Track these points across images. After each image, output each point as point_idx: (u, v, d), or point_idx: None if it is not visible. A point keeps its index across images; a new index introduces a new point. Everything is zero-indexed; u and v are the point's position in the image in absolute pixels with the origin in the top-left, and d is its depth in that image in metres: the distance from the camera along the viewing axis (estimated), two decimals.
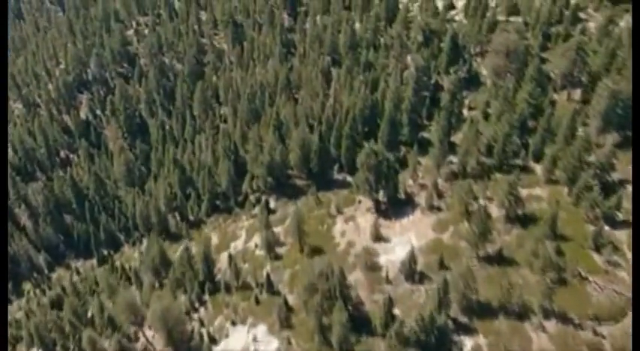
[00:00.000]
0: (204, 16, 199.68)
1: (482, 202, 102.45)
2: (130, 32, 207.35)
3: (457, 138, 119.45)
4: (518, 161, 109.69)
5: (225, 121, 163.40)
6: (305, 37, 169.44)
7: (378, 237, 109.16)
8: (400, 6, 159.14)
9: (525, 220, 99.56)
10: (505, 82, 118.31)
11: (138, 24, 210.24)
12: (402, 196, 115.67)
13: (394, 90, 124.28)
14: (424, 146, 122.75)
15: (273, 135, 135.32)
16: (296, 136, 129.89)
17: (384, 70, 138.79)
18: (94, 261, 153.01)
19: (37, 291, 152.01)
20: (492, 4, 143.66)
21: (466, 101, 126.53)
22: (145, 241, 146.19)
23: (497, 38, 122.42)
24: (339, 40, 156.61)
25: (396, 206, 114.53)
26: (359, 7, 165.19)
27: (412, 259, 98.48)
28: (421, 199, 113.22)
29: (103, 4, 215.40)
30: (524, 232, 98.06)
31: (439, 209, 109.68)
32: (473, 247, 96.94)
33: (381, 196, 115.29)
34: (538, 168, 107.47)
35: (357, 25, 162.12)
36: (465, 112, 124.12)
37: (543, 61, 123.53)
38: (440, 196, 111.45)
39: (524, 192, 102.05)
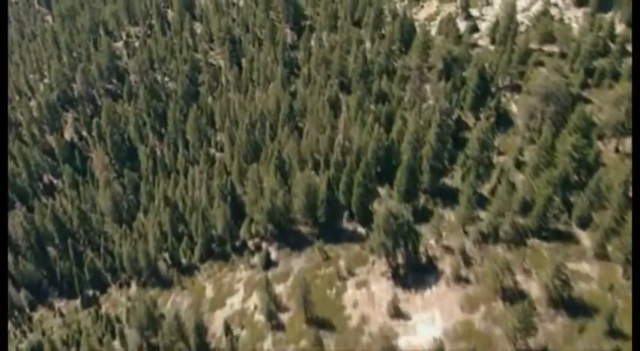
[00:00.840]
0: (199, 28, 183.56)
1: (518, 277, 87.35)
2: (120, 44, 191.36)
3: (485, 189, 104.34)
4: (560, 226, 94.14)
5: (222, 150, 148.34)
6: (310, 56, 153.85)
7: (396, 313, 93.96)
8: (416, 25, 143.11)
9: (573, 307, 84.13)
10: (541, 127, 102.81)
11: (128, 35, 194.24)
12: (423, 259, 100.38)
13: (413, 132, 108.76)
14: (447, 195, 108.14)
15: (275, 176, 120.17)
16: (301, 181, 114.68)
17: (399, 103, 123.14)
18: (79, 301, 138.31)
19: (18, 332, 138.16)
20: (522, 28, 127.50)
21: (495, 142, 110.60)
22: (132, 285, 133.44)
23: (534, 79, 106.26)
24: (348, 63, 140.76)
25: (416, 273, 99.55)
26: (370, 25, 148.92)
27: (439, 348, 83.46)
28: (445, 264, 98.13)
29: (91, 13, 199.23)
30: (573, 322, 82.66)
31: (467, 281, 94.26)
32: (510, 339, 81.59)
33: (399, 258, 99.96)
34: (584, 237, 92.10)
35: (368, 45, 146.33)
36: (494, 156, 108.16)
37: (585, 99, 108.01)
38: (467, 263, 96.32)
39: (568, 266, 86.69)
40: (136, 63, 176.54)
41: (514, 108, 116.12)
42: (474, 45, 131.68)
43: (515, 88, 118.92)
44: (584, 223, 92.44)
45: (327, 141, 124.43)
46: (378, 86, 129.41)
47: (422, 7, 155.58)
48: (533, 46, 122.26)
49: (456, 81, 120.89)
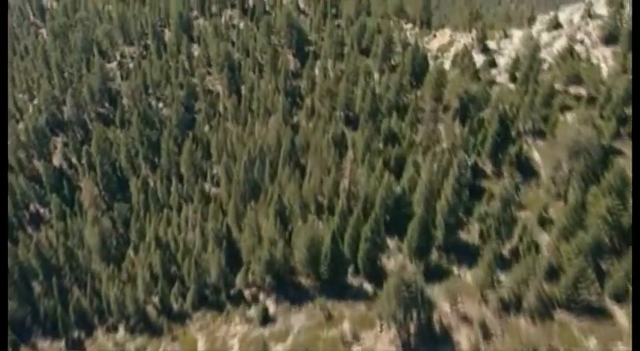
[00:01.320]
0: (196, 50, 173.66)
1: None
2: (113, 65, 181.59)
3: (506, 248, 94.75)
4: (591, 297, 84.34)
5: (218, 184, 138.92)
6: (313, 86, 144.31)
7: None
8: (429, 56, 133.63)
9: None
10: (568, 182, 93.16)
11: (122, 56, 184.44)
12: (437, 329, 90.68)
13: (426, 182, 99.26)
14: (462, 251, 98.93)
15: (275, 224, 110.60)
16: (303, 232, 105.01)
17: (411, 146, 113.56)
18: (63, 343, 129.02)
19: None
20: (544, 65, 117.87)
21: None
22: (120, 329, 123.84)
23: (561, 128, 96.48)
24: (355, 96, 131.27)
25: (429, 343, 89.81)
26: (379, 55, 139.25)
27: None
28: (461, 336, 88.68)
29: (84, 31, 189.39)
30: None
31: None
32: None
33: (410, 326, 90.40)
34: (619, 314, 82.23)
35: (376, 77, 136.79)
36: (516, 211, 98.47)
37: (617, 151, 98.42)
38: (487, 335, 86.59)
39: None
40: (129, 87, 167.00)
41: (536, 156, 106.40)
42: (492, 82, 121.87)
43: (539, 134, 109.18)
44: (620, 297, 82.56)
45: (331, 184, 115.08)
46: (387, 125, 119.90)
47: (434, 36, 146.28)
48: (557, 86, 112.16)
49: (473, 124, 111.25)
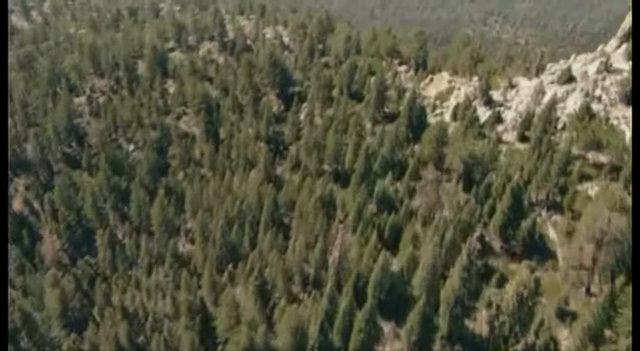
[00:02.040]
0: (171, 86, 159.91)
1: None
2: (82, 100, 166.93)
3: (520, 345, 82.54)
4: None
5: (192, 241, 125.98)
6: (299, 133, 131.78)
7: None
8: (426, 105, 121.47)
9: None
10: (592, 273, 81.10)
11: (92, 89, 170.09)
12: None
13: (428, 265, 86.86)
14: (468, 341, 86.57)
15: (254, 303, 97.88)
16: (287, 315, 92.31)
17: (409, 215, 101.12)
18: None
19: None
20: (558, 125, 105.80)
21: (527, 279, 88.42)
22: None
23: (585, 216, 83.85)
24: (345, 149, 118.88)
25: None
26: (371, 103, 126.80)
27: None
28: None
29: (51, 61, 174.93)
30: None
31: None
32: None
33: None
34: None
35: (368, 127, 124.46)
36: (530, 302, 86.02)
37: None
38: None
39: None
40: (98, 126, 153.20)
41: (552, 233, 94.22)
42: (498, 140, 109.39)
43: (554, 207, 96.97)
44: None
45: (319, 254, 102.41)
46: (381, 187, 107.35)
47: (431, 80, 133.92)
48: (574, 150, 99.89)
49: (479, 191, 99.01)
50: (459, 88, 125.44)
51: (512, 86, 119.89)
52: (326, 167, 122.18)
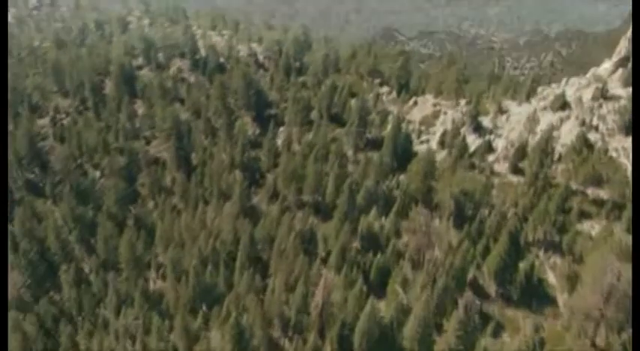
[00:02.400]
0: (140, 107, 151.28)
1: None
2: (45, 121, 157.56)
3: None
4: None
5: (164, 277, 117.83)
6: (276, 159, 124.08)
7: None
8: (412, 132, 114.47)
9: None
10: (598, 328, 74.49)
11: (56, 110, 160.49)
12: None
13: (420, 317, 79.80)
14: None
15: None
16: None
17: (397, 256, 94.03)
18: None
19: None
20: (554, 156, 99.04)
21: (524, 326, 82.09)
22: None
23: (589, 267, 77.09)
24: (326, 179, 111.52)
25: None
26: (353, 129, 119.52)
27: None
28: None
29: (13, 78, 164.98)
30: None
31: None
32: None
33: None
34: None
35: (350, 154, 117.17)
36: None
37: None
38: None
39: None
40: (62, 152, 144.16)
41: (551, 277, 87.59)
42: (490, 171, 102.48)
43: (552, 248, 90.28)
44: None
45: (300, 297, 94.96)
46: (366, 224, 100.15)
47: (415, 103, 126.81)
48: (572, 184, 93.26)
49: (472, 229, 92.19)
50: (445, 113, 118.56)
51: (502, 111, 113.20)
52: (306, 198, 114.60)
